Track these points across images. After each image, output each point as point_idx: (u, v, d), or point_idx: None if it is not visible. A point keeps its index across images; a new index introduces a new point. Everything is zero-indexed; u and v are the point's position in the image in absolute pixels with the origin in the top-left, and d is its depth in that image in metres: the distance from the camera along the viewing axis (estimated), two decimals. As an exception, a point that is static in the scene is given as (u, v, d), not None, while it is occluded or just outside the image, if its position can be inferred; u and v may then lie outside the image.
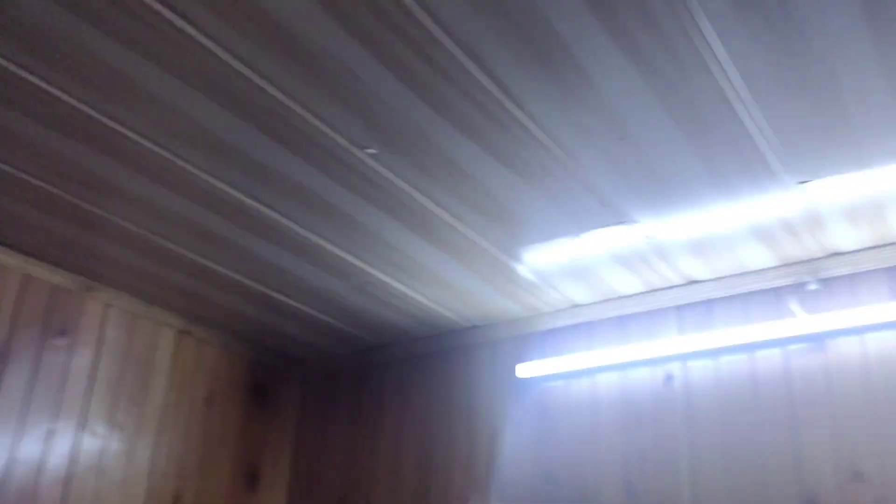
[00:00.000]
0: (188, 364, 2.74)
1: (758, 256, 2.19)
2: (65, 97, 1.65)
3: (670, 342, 2.30)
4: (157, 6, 1.42)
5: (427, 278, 2.38)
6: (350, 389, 3.00)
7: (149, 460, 2.56)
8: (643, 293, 2.42)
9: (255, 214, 2.06)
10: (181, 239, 2.21)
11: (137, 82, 1.61)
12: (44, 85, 1.62)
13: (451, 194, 1.94)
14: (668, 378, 2.32)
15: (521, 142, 1.74)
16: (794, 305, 2.18)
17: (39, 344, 2.35)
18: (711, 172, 1.82)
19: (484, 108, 1.64)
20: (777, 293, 2.24)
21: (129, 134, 1.76)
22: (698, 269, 2.28)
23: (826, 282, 2.18)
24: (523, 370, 2.54)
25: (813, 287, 2.18)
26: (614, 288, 2.41)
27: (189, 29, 1.47)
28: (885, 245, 2.11)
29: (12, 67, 1.57)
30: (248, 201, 2.00)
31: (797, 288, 2.21)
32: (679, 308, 2.39)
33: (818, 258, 2.19)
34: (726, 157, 1.77)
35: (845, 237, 2.08)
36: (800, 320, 2.13)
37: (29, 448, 2.27)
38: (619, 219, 2.02)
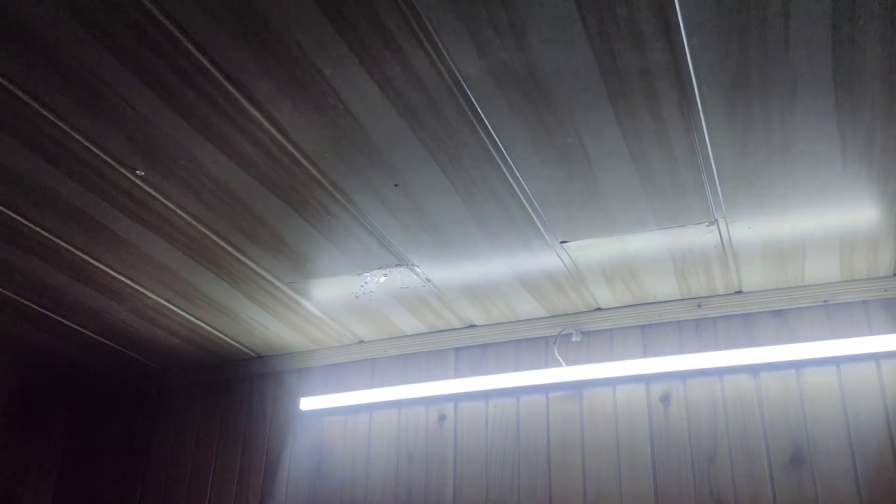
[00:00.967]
0: (-57, 379, 2.54)
1: (528, 307, 2.33)
2: None
3: (446, 383, 2.39)
4: None
5: (208, 306, 2.35)
6: (123, 414, 2.88)
7: None
8: (425, 333, 2.51)
9: (22, 230, 1.96)
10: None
11: None
12: None
13: (229, 224, 1.94)
14: (441, 418, 2.41)
15: (299, 179, 1.77)
16: (558, 354, 2.32)
17: None
18: (482, 225, 1.93)
19: (260, 144, 1.66)
20: (545, 342, 2.38)
21: None
22: (476, 315, 2.39)
23: (587, 334, 2.34)
24: (306, 403, 2.55)
25: (576, 339, 2.33)
26: (398, 327, 2.48)
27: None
28: (639, 304, 2.30)
29: None
30: (13, 215, 1.90)
31: (563, 338, 2.36)
32: (457, 350, 2.48)
33: (582, 312, 2.35)
34: (495, 213, 1.88)
35: (604, 295, 2.26)
36: (562, 369, 2.27)
37: None
38: (397, 261, 2.09)
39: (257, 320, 2.44)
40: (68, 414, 2.96)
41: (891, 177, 1.72)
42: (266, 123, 1.59)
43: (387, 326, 2.47)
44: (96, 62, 1.44)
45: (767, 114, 1.53)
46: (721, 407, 2.14)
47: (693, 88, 1.47)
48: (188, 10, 1.33)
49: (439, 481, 2.33)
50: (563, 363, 2.31)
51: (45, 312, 2.38)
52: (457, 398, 2.41)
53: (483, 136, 1.62)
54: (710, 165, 1.68)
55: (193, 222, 1.93)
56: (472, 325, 2.46)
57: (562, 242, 1.99)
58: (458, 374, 2.45)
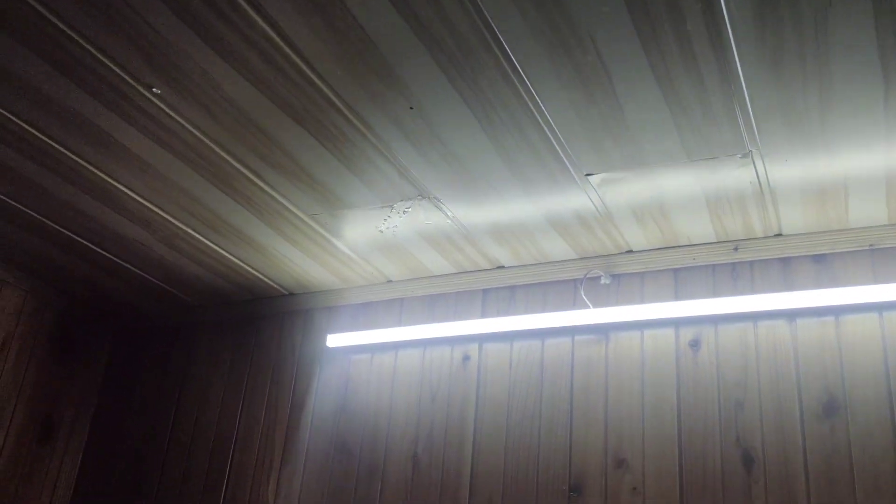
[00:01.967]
0: (-14, 305, 2.62)
1: (557, 247, 2.27)
2: None
3: (472, 323, 2.35)
4: None
5: (235, 238, 2.35)
6: (160, 346, 2.93)
7: (-72, 401, 2.44)
8: (453, 274, 2.47)
9: (50, 152, 1.98)
10: (-26, 169, 2.11)
11: None
12: None
13: (244, 147, 1.92)
14: (466, 359, 2.37)
15: (312, 100, 1.74)
16: (585, 296, 2.26)
17: None
18: (503, 154, 1.87)
19: (272, 61, 1.62)
20: (574, 285, 2.32)
21: None
22: (504, 256, 2.34)
23: (617, 277, 2.27)
24: (333, 340, 2.54)
25: (605, 281, 2.26)
26: (426, 267, 2.45)
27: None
28: (672, 247, 2.21)
29: None
30: (42, 138, 1.92)
31: (591, 281, 2.29)
32: (485, 292, 2.44)
33: (613, 254, 2.28)
34: (515, 141, 1.81)
35: (636, 236, 2.18)
36: (589, 311, 2.21)
37: None
38: (419, 193, 2.05)
39: (286, 255, 2.44)
40: (109, 345, 3.03)
41: (940, 105, 1.59)
42: (277, 39, 1.56)
43: (415, 266, 2.44)
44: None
45: (800, 32, 1.43)
46: (753, 353, 2.05)
47: (720, 2, 1.38)
48: None
49: (460, 422, 2.30)
50: (591, 305, 2.25)
51: (82, 241, 2.43)
52: (482, 339, 2.37)
53: (499, 54, 1.55)
54: (742, 89, 1.59)
55: (209, 143, 1.92)
56: (501, 267, 2.41)
57: (587, 175, 1.91)
58: (484, 315, 2.41)
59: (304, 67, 1.63)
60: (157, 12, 1.52)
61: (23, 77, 1.72)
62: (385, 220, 2.18)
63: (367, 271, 2.50)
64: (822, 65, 1.51)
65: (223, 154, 1.95)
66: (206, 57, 1.62)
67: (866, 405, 1.89)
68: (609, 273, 2.27)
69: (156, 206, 2.21)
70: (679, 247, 2.21)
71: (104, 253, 2.49)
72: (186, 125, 1.85)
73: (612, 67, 1.57)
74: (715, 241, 2.17)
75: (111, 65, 1.66)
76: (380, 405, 2.43)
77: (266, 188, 2.08)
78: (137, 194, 2.15)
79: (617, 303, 2.23)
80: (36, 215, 2.29)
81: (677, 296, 2.19)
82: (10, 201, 2.23)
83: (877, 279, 1.99)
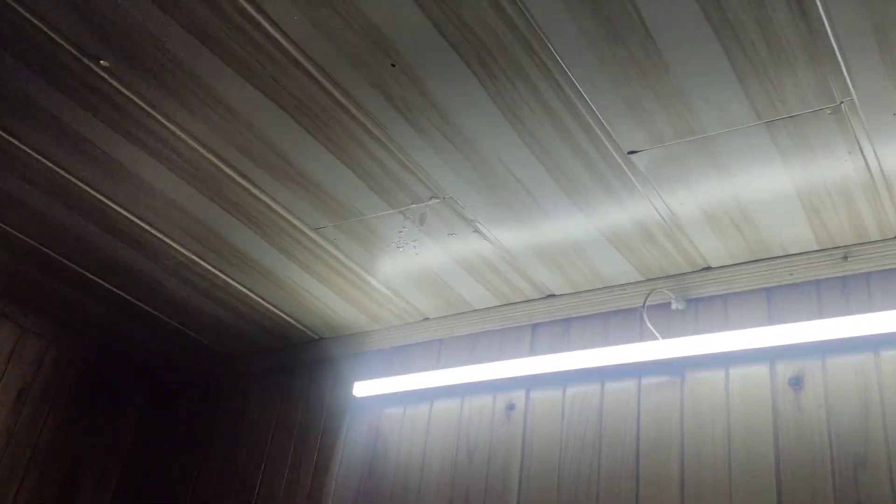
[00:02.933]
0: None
1: (617, 268, 1.84)
2: None
3: (520, 362, 1.94)
4: None
5: (254, 272, 2.06)
6: (188, 403, 2.65)
7: (-73, 453, 2.23)
8: (497, 307, 2.07)
9: (59, 181, 1.78)
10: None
11: None
12: None
13: (237, 151, 1.64)
14: (510, 408, 1.95)
15: (320, 103, 1.44)
16: (650, 324, 1.81)
17: None
18: (546, 163, 1.50)
19: (255, 43, 1.35)
20: (639, 314, 1.87)
21: None
22: (554, 282, 1.93)
23: (694, 302, 1.81)
24: (362, 389, 2.18)
25: (677, 307, 1.81)
26: (467, 300, 2.07)
27: None
28: (762, 260, 1.75)
29: None
30: (50, 165, 1.72)
31: (661, 308, 1.84)
32: (534, 327, 2.03)
33: (686, 273, 1.83)
34: (557, 142, 1.45)
35: (713, 248, 1.73)
36: (657, 344, 1.76)
37: None
38: (432, 195, 1.70)
39: (309, 289, 2.12)
40: (137, 400, 2.77)
41: None
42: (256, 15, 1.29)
43: (454, 300, 2.07)
44: None
45: None
46: (876, 392, 1.53)
47: None
48: None
49: (502, 483, 1.86)
50: (659, 336, 1.79)
51: (101, 282, 2.22)
52: (529, 383, 1.94)
53: (536, 47, 1.22)
54: (823, 23, 1.17)
55: (195, 145, 1.66)
56: (551, 295, 1.99)
57: (629, 153, 1.51)
58: (533, 352, 1.99)
59: (319, 75, 1.35)
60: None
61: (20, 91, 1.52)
62: (401, 231, 1.83)
63: (401, 308, 2.15)
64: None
65: (223, 166, 1.69)
66: (178, 37, 1.37)
67: None
68: (682, 296, 1.81)
69: (163, 233, 1.96)
70: (771, 259, 1.74)
71: (124, 295, 2.27)
72: (172, 127, 1.60)
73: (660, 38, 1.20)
74: (817, 248, 1.69)
75: (119, 86, 1.44)
76: (411, 463, 2.03)
77: (284, 214, 1.79)
78: (148, 224, 1.92)
79: (693, 332, 1.77)
80: (53, 254, 2.11)
81: (771, 320, 1.71)
82: (23, 237, 2.05)
83: None
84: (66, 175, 1.80)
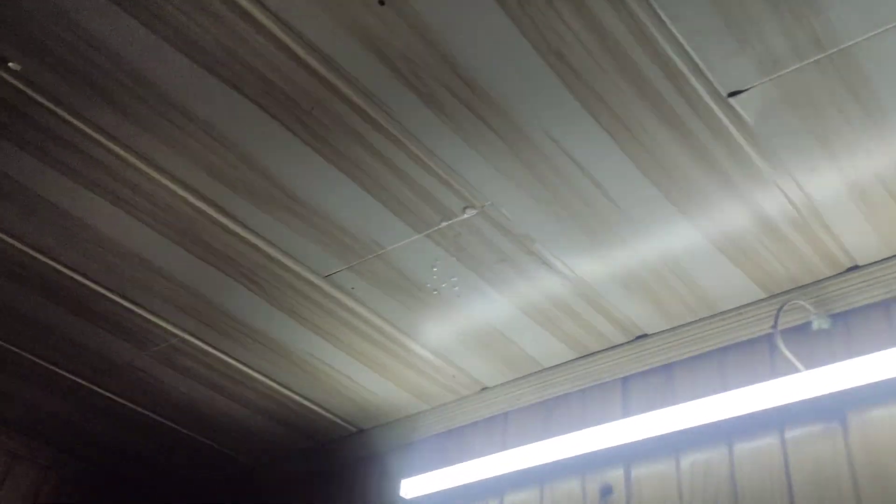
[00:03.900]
0: (-13, 484, 2.03)
1: (728, 284, 1.37)
2: None
3: (612, 429, 1.45)
4: None
5: (267, 350, 1.65)
6: (211, 527, 2.19)
7: None
8: (573, 361, 1.60)
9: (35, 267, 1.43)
10: None
11: None
12: None
13: (219, 182, 1.26)
14: (606, 492, 1.45)
15: (320, 102, 1.07)
16: (787, 351, 1.31)
17: None
18: (624, 147, 1.08)
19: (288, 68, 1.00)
20: (768, 342, 1.38)
21: None
22: (644, 316, 1.46)
23: (840, 317, 1.32)
24: (412, 487, 1.70)
25: (819, 325, 1.32)
26: (532, 357, 1.61)
27: None
28: (932, 246, 1.26)
29: None
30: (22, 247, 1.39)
31: (796, 330, 1.35)
32: (624, 381, 1.54)
33: (826, 279, 1.34)
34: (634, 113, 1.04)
35: (863, 239, 1.26)
36: (799, 377, 1.26)
37: None
38: (468, 202, 1.27)
39: (332, 365, 1.69)
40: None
41: None
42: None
43: (516, 359, 1.61)
44: None
45: None
46: None
47: None
48: None
49: None
50: (801, 367, 1.29)
51: (86, 385, 1.83)
52: (628, 456, 1.45)
53: None
54: None
55: (168, 182, 1.28)
56: (643, 336, 1.52)
57: (729, 96, 1.07)
58: (628, 413, 1.50)
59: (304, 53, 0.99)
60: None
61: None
62: (434, 266, 1.40)
63: (451, 377, 1.69)
64: None
65: (202, 205, 1.31)
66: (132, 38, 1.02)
67: None
68: (824, 311, 1.32)
69: (147, 310, 1.57)
70: (947, 244, 1.26)
71: (119, 399, 1.88)
72: (153, 173, 1.23)
73: None
74: None
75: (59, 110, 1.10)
76: (483, 583, 1.52)
77: (301, 271, 1.39)
78: (126, 299, 1.55)
79: (847, 356, 1.27)
80: (23, 353, 1.74)
81: (964, 326, 1.20)
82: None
83: None
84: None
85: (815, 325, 1.32)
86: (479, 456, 1.65)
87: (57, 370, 1.80)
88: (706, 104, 1.08)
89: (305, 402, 1.83)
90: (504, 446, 1.64)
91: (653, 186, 1.21)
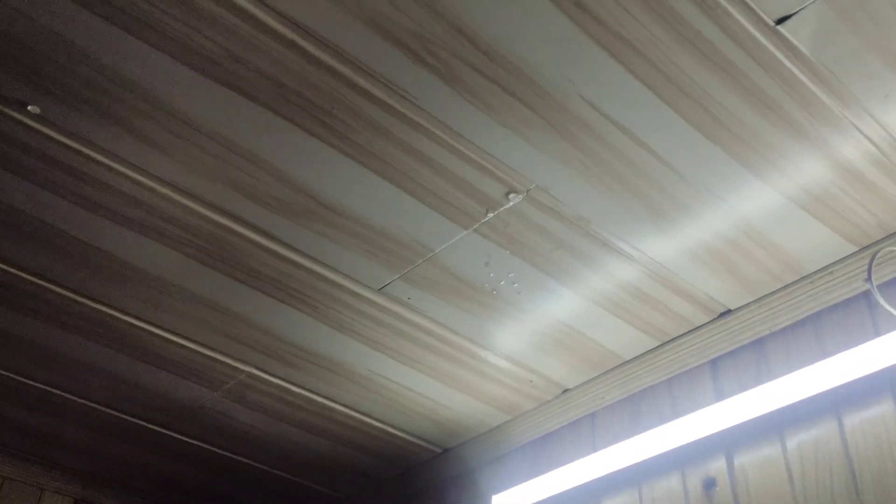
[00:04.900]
0: (87, 545, 2.04)
1: (812, 243, 1.24)
2: None
3: (707, 416, 1.33)
4: None
5: (334, 375, 1.60)
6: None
7: None
8: (655, 350, 1.48)
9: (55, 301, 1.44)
10: (-22, 347, 1.61)
11: None
12: None
13: (236, 193, 1.23)
14: (709, 486, 1.32)
15: (339, 99, 1.03)
16: (887, 304, 1.17)
17: None
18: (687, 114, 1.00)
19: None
20: (865, 300, 1.24)
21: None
22: (725, 290, 1.34)
23: (949, 259, 1.17)
24: (504, 502, 1.61)
25: (924, 271, 1.17)
26: (611, 350, 1.50)
27: None
28: None
29: None
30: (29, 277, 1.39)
31: (890, 285, 1.21)
32: (713, 363, 1.42)
33: (922, 219, 1.20)
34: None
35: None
36: (910, 334, 1.12)
37: None
38: (512, 188, 1.19)
39: (402, 384, 1.62)
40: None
41: None
42: None
43: (595, 355, 1.51)
44: None
45: None
46: None
47: None
48: None
49: None
50: (909, 320, 1.15)
51: (166, 433, 1.82)
52: (728, 443, 1.32)
53: None
54: None
55: (186, 202, 1.25)
56: (726, 312, 1.39)
57: (777, 23, 0.96)
58: (721, 397, 1.37)
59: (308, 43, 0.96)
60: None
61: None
62: (487, 262, 1.32)
63: (528, 383, 1.60)
64: None
65: (231, 224, 1.28)
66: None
67: None
68: (927, 255, 1.18)
69: (204, 345, 1.55)
70: None
71: (202, 445, 1.86)
72: (165, 190, 1.21)
73: None
74: None
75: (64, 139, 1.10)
76: None
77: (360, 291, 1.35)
78: (179, 335, 1.53)
79: (964, 302, 1.12)
80: (117, 413, 1.75)
81: None
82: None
83: None
84: (72, 296, 1.44)
85: (919, 273, 1.17)
86: (569, 462, 1.54)
87: (138, 422, 1.80)
88: (753, 37, 0.98)
89: (384, 427, 1.76)
90: (594, 448, 1.53)
91: (711, 143, 1.11)
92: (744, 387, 1.33)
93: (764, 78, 1.02)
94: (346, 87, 1.07)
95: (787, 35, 0.97)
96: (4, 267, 1.39)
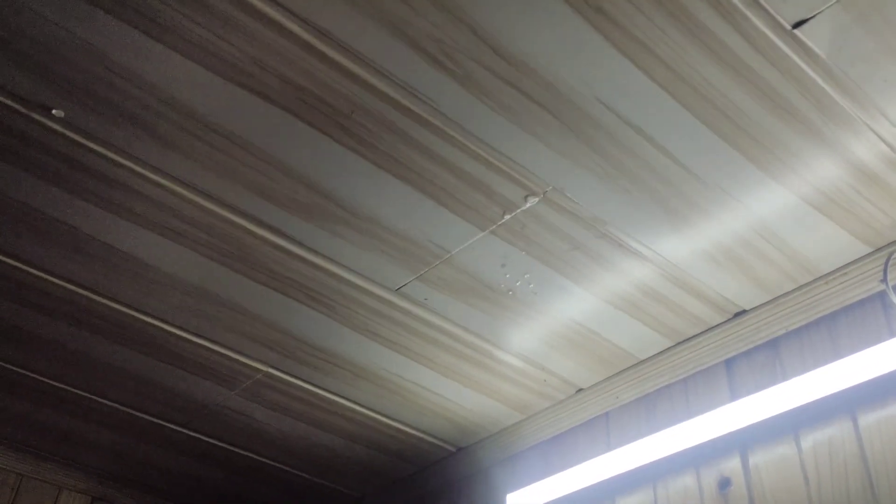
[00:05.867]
0: (104, 543, 2.06)
1: (828, 244, 1.25)
2: None
3: (722, 416, 1.34)
4: None
5: (353, 376, 1.61)
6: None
7: None
8: (670, 349, 1.49)
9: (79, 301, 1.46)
10: None
11: None
12: None
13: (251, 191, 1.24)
14: (724, 485, 1.33)
15: (354, 100, 1.05)
16: (904, 307, 1.18)
17: None
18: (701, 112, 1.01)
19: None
20: (881, 301, 1.25)
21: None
22: (740, 290, 1.35)
23: (964, 260, 1.18)
24: (517, 502, 1.62)
25: (939, 272, 1.18)
26: (626, 350, 1.51)
27: None
28: None
29: None
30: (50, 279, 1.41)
31: (912, 282, 1.22)
32: (728, 363, 1.43)
33: (937, 220, 1.20)
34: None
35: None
36: (925, 334, 1.13)
37: None
38: (529, 190, 1.20)
39: (419, 384, 1.64)
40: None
41: None
42: None
43: (609, 354, 1.52)
44: None
45: None
46: None
47: None
48: None
49: None
50: (925, 321, 1.16)
51: (186, 432, 1.84)
52: (742, 442, 1.33)
53: None
54: None
55: (206, 203, 1.27)
56: (741, 313, 1.40)
57: (794, 27, 0.97)
58: (736, 397, 1.38)
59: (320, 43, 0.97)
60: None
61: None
62: (503, 264, 1.33)
63: (542, 382, 1.61)
64: None
65: (247, 224, 1.30)
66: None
67: None
68: (942, 256, 1.19)
69: (220, 344, 1.57)
70: None
71: (220, 444, 1.88)
72: (187, 193, 1.23)
73: None
74: None
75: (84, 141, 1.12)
76: None
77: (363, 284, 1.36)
78: (198, 335, 1.54)
79: (979, 303, 1.13)
80: (135, 412, 1.76)
81: None
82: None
83: None
84: (91, 296, 1.46)
85: (934, 274, 1.18)
86: (583, 461, 1.55)
87: (156, 420, 1.82)
88: (770, 40, 0.98)
89: (400, 426, 1.78)
90: (609, 447, 1.55)
91: (726, 145, 1.12)
92: (759, 386, 1.34)
93: (780, 80, 1.03)
94: (365, 91, 1.09)
95: (804, 38, 0.98)
96: (25, 268, 1.41)
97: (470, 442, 1.82)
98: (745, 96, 1.05)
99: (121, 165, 1.21)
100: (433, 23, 1.00)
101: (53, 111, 1.12)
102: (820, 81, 1.03)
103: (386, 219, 1.27)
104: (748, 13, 0.96)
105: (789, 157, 1.13)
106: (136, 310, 1.49)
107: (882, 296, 1.24)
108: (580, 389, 1.62)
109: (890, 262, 1.21)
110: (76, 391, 1.74)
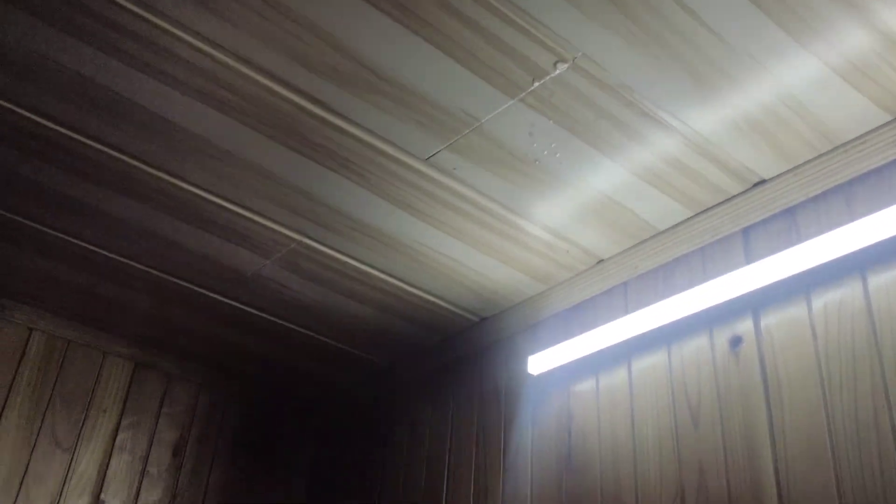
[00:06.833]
0: (148, 404, 2.19)
1: (850, 111, 1.28)
2: None
3: (736, 278, 1.40)
4: None
5: (382, 245, 1.68)
6: (362, 424, 2.29)
7: (86, 524, 2.01)
8: (690, 219, 1.55)
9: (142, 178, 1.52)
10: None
11: None
12: None
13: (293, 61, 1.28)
14: (735, 343, 1.41)
15: None
16: (920, 172, 1.22)
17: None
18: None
19: None
20: (895, 168, 1.29)
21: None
22: (760, 161, 1.39)
23: (982, 126, 1.21)
24: (539, 363, 1.72)
25: (957, 138, 1.21)
26: (646, 221, 1.57)
27: None
28: None
29: None
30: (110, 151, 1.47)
31: (930, 149, 1.25)
32: (745, 231, 1.48)
33: (959, 88, 1.23)
34: None
35: None
36: (938, 197, 1.17)
37: None
38: (559, 56, 1.23)
39: (447, 254, 1.71)
40: (308, 443, 2.46)
41: None
42: None
43: (630, 225, 1.58)
44: None
45: None
46: None
47: None
48: None
49: (747, 450, 1.32)
50: (939, 185, 1.20)
51: (220, 299, 1.94)
52: (755, 303, 1.40)
53: None
54: None
55: (242, 67, 1.31)
56: (761, 182, 1.45)
57: None
58: (751, 261, 1.44)
59: None
60: None
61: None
62: (531, 132, 1.37)
63: (565, 253, 1.68)
64: None
65: (281, 90, 1.34)
66: None
67: None
68: (961, 123, 1.22)
69: (256, 213, 1.63)
70: None
71: (255, 312, 1.98)
72: (224, 57, 1.26)
73: None
74: None
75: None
76: (618, 446, 1.53)
77: (396, 154, 1.41)
78: (234, 202, 1.61)
79: None
80: (160, 274, 1.86)
81: None
82: (137, 265, 1.81)
83: None
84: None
85: (952, 140, 1.21)
86: (601, 324, 1.64)
87: (196, 288, 1.91)
88: None
89: (428, 297, 1.86)
90: (626, 313, 1.62)
91: (758, 10, 1.13)
92: (774, 252, 1.40)
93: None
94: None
95: None
96: (71, 134, 1.47)
97: (493, 312, 1.91)
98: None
99: (156, 26, 1.25)
100: None
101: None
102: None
103: (416, 84, 1.31)
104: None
105: (819, 23, 1.14)
106: (177, 176, 1.56)
107: (899, 162, 1.28)
108: (601, 260, 1.69)
109: (909, 129, 1.24)
110: (119, 258, 1.82)
